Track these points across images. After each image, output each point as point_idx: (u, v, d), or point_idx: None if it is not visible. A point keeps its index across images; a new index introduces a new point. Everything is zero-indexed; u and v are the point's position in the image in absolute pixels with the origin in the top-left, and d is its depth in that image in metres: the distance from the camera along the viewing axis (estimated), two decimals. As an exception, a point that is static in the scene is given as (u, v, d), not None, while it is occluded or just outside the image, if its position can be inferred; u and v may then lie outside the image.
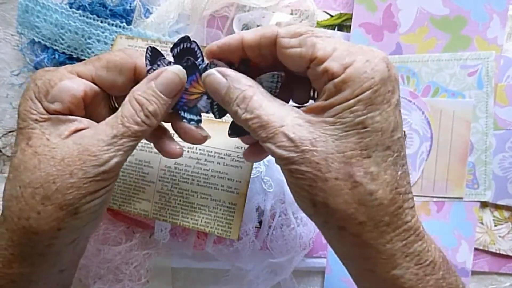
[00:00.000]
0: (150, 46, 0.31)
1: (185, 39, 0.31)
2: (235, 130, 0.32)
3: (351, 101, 0.25)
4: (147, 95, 0.29)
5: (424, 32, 0.45)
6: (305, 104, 0.32)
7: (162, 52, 0.31)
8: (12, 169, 0.28)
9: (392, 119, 0.26)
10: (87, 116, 0.30)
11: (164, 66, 0.31)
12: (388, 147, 0.26)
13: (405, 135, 0.45)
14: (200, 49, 0.31)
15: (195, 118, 0.32)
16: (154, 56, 0.31)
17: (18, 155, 0.28)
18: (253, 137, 0.28)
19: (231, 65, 0.30)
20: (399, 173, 0.26)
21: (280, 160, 0.27)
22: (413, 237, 0.27)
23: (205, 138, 0.32)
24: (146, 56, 0.31)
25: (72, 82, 0.29)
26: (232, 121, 0.32)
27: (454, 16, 0.45)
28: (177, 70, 0.30)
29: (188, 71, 0.30)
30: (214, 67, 0.30)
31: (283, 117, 0.27)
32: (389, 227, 0.26)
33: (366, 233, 0.26)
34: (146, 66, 0.31)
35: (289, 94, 0.32)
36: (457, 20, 0.45)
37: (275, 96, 0.29)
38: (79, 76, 0.30)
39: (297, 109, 0.28)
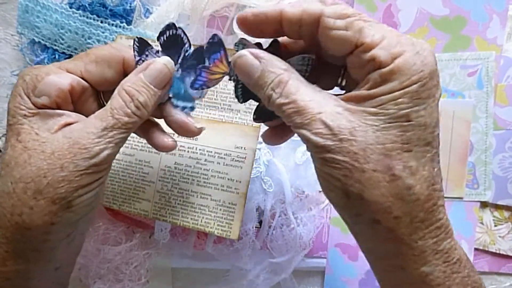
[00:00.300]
0: (137, 37, 0.31)
1: (170, 26, 0.30)
2: (261, 115, 0.31)
3: (397, 93, 0.25)
4: (136, 86, 0.29)
5: (424, 32, 0.45)
6: (341, 93, 0.30)
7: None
8: (4, 166, 0.28)
9: (435, 114, 0.26)
10: (76, 112, 0.30)
11: (152, 55, 0.31)
12: (429, 143, 0.26)
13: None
14: (186, 35, 0.30)
15: (189, 105, 0.31)
16: (142, 47, 0.31)
17: (8, 151, 0.28)
18: (277, 122, 0.28)
19: (259, 46, 0.29)
20: (436, 169, 0.26)
21: (315, 147, 0.26)
22: (443, 235, 0.26)
23: (200, 130, 0.32)
24: (133, 47, 0.31)
25: (58, 77, 0.29)
26: (258, 106, 0.31)
27: (454, 16, 0.45)
28: (166, 61, 0.30)
29: (212, 49, 0.29)
30: (242, 47, 0.28)
31: (321, 103, 0.26)
32: (423, 223, 0.26)
33: (400, 228, 0.26)
34: (135, 57, 0.31)
35: (315, 79, 0.31)
36: (457, 20, 0.45)
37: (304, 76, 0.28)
38: (68, 71, 0.30)
39: (335, 96, 0.27)
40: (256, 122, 0.32)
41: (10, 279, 0.29)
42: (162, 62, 0.30)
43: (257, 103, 0.31)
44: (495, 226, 0.46)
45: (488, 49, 0.45)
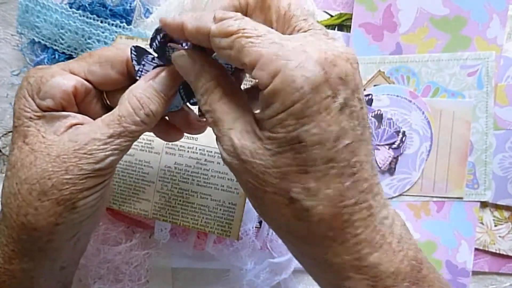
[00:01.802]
0: (133, 46, 0.30)
1: (159, 30, 0.30)
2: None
3: (282, 115, 0.23)
4: (148, 93, 0.29)
5: (424, 32, 0.45)
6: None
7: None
8: (10, 167, 0.28)
9: (334, 127, 0.23)
10: (80, 113, 0.30)
11: (149, 64, 0.30)
12: (331, 159, 0.24)
13: (405, 135, 0.46)
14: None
15: (176, 105, 0.31)
16: (140, 55, 0.30)
17: (15, 152, 0.28)
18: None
19: (187, 41, 0.29)
20: (347, 184, 0.24)
21: (225, 163, 0.26)
22: (367, 249, 0.25)
23: (204, 125, 0.32)
24: (131, 57, 0.30)
25: (62, 78, 0.29)
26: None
27: (454, 16, 0.45)
28: (175, 70, 0.30)
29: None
30: (170, 48, 0.29)
31: (236, 119, 0.26)
32: (335, 241, 0.24)
33: (311, 247, 0.25)
34: (134, 68, 0.30)
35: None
36: (457, 20, 0.45)
37: (232, 74, 0.28)
38: (71, 72, 0.30)
39: (253, 113, 0.26)
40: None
41: (16, 277, 0.29)
42: (171, 71, 0.29)
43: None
44: (495, 226, 0.46)
45: (488, 49, 0.45)
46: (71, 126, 0.28)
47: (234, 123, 0.26)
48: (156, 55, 0.31)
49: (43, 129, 0.28)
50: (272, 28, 0.26)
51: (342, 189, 0.24)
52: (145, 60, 0.30)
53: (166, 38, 0.30)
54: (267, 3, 0.27)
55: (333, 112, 0.23)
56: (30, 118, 0.28)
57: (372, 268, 0.25)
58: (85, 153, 0.27)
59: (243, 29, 0.24)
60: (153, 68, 0.31)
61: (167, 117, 0.32)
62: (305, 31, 0.26)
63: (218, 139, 0.26)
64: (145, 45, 0.32)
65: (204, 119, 0.32)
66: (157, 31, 0.30)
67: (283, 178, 0.24)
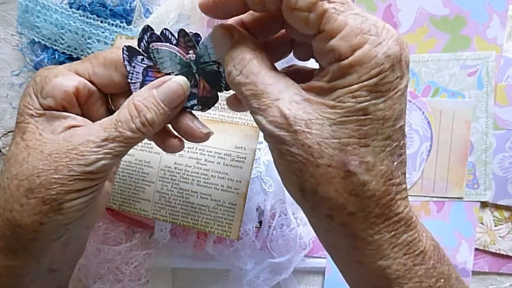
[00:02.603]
0: (125, 46, 0.30)
1: (146, 29, 0.29)
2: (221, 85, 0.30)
3: (355, 87, 0.23)
4: (147, 102, 0.28)
5: (424, 32, 0.45)
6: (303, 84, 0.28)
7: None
8: (5, 161, 0.28)
9: (397, 106, 0.24)
10: (84, 116, 0.30)
11: (139, 65, 0.30)
12: (389, 137, 0.24)
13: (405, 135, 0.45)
14: (166, 35, 0.30)
15: None
16: (131, 56, 0.30)
17: (12, 148, 0.28)
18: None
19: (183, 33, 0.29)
20: (395, 163, 0.25)
21: (269, 137, 0.25)
22: (403, 228, 0.26)
23: (207, 136, 0.31)
24: (123, 57, 0.30)
25: (65, 79, 0.29)
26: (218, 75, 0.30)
27: (453, 16, 0.45)
28: (182, 82, 0.29)
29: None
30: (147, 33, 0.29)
31: (281, 89, 0.25)
32: (379, 218, 0.25)
33: (354, 224, 0.25)
34: (125, 68, 0.30)
35: (289, 49, 0.30)
36: (457, 20, 0.45)
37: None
38: (76, 73, 0.30)
39: (297, 85, 0.26)
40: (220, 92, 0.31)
41: (1, 274, 0.29)
42: (178, 82, 0.29)
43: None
44: (495, 226, 0.46)
45: (488, 49, 0.45)
46: (69, 127, 0.28)
47: (281, 93, 0.25)
48: (146, 55, 0.30)
49: (41, 127, 0.28)
50: None
51: (392, 167, 0.25)
52: (135, 61, 0.30)
53: (153, 38, 0.30)
54: None
55: (399, 93, 0.24)
56: (31, 115, 0.28)
57: (405, 246, 0.26)
58: (76, 154, 0.27)
59: None
60: (143, 70, 0.30)
61: (170, 125, 0.32)
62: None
63: (259, 113, 0.25)
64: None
65: (207, 131, 0.31)
66: (144, 30, 0.29)
67: (342, 149, 0.24)
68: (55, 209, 0.27)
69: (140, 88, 0.30)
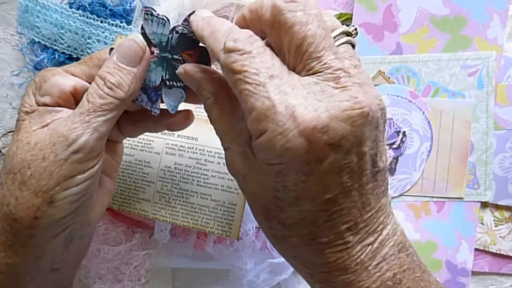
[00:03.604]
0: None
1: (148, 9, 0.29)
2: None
3: (267, 166, 0.25)
4: (109, 69, 0.29)
5: (424, 32, 0.45)
6: None
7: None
8: (3, 159, 0.29)
9: (315, 187, 0.24)
10: None
11: None
12: (304, 214, 0.26)
13: (405, 135, 0.45)
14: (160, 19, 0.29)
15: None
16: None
17: (9, 145, 0.29)
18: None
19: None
20: (319, 227, 0.26)
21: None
22: (341, 272, 0.26)
23: (188, 120, 0.33)
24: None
25: (63, 78, 0.30)
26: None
27: (454, 16, 0.45)
28: (133, 36, 0.29)
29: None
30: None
31: (232, 139, 0.28)
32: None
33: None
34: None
35: None
36: (457, 20, 0.45)
37: None
38: (73, 75, 0.30)
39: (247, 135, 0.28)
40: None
41: (1, 272, 0.29)
42: (129, 38, 0.29)
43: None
44: (496, 226, 0.46)
45: (488, 49, 0.45)
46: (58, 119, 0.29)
47: (231, 142, 0.27)
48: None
49: (34, 121, 0.29)
50: (286, 57, 0.25)
51: (314, 231, 0.26)
52: None
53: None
54: (277, 26, 0.25)
55: (314, 176, 0.24)
56: (26, 112, 0.29)
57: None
58: (58, 137, 0.27)
59: (245, 71, 0.24)
60: None
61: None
62: (313, 74, 0.24)
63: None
64: None
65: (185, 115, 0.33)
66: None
67: (272, 201, 0.26)
68: (47, 202, 0.27)
69: (140, 91, 0.31)
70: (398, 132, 0.45)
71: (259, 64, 0.24)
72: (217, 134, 0.29)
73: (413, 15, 0.45)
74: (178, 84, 0.31)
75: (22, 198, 0.27)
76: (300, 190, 0.24)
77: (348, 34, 0.26)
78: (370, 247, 0.26)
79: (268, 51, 0.25)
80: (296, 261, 0.28)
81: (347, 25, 0.27)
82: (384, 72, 0.45)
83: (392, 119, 0.46)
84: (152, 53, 0.30)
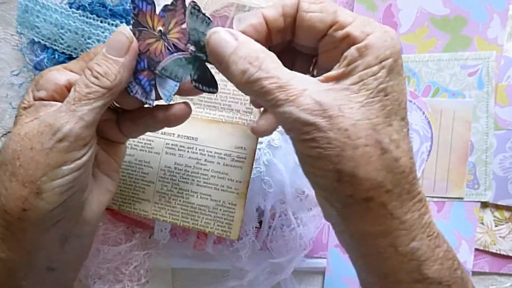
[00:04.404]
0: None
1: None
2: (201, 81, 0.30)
3: (375, 68, 0.25)
4: (97, 60, 0.29)
5: (424, 32, 0.45)
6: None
7: None
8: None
9: (405, 90, 0.26)
10: None
11: None
12: (403, 118, 0.26)
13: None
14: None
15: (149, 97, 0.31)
16: None
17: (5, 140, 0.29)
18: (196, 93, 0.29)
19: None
20: (410, 145, 0.27)
21: (303, 126, 0.25)
22: (424, 209, 0.27)
23: (185, 112, 0.32)
24: None
25: (58, 73, 0.30)
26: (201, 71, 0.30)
27: (454, 16, 0.45)
28: (120, 28, 0.30)
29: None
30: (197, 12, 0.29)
31: (304, 81, 0.26)
32: (408, 195, 0.26)
33: (391, 202, 0.26)
34: None
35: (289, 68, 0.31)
36: (457, 20, 0.45)
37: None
38: (71, 71, 0.31)
39: (313, 78, 0.27)
40: (196, 87, 0.31)
41: None
42: (118, 31, 0.30)
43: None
44: (496, 226, 0.46)
45: (489, 49, 0.45)
46: None
47: (306, 84, 0.25)
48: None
49: (29, 115, 0.29)
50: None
51: (410, 146, 0.27)
52: None
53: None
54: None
55: (404, 79, 0.27)
56: (24, 107, 0.29)
57: (426, 227, 0.27)
58: (45, 126, 0.27)
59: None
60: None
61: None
62: None
63: (287, 104, 0.25)
64: None
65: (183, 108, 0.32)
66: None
67: (374, 129, 0.25)
68: (34, 192, 0.27)
69: (134, 82, 0.31)
70: (398, 132, 0.45)
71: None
72: (280, 84, 0.26)
73: (413, 15, 0.45)
74: (203, 87, 0.30)
75: (11, 188, 0.27)
76: (400, 91, 0.26)
77: None
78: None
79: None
80: None
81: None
82: (384, 72, 0.45)
83: (392, 119, 0.46)
84: (186, 50, 0.30)
